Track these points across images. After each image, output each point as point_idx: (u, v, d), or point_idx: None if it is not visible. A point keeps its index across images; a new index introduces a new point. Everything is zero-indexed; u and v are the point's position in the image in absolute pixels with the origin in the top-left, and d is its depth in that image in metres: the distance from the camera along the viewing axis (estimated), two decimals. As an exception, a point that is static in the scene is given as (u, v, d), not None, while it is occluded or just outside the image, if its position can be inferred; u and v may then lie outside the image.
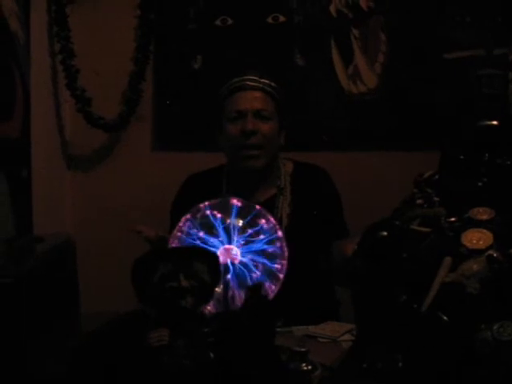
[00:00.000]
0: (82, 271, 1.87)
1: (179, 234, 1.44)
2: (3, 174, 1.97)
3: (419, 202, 1.31)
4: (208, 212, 1.43)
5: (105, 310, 1.45)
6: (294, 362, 1.19)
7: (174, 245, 1.44)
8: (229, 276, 1.37)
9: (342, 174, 2.07)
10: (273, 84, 1.83)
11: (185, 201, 1.69)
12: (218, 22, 2.51)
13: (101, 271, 2.44)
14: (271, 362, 1.18)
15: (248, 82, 1.81)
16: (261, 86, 1.81)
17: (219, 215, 1.43)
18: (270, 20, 2.50)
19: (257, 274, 1.41)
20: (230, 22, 2.51)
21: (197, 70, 2.52)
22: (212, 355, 1.13)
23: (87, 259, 2.24)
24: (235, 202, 1.44)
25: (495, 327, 1.09)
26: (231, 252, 1.40)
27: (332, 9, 2.48)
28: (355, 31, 2.48)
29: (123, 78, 2.50)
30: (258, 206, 1.47)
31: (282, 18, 2.49)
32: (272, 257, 1.44)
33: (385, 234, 1.23)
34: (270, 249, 1.44)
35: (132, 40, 2.51)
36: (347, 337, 1.50)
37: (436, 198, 1.30)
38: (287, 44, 2.49)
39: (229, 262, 1.39)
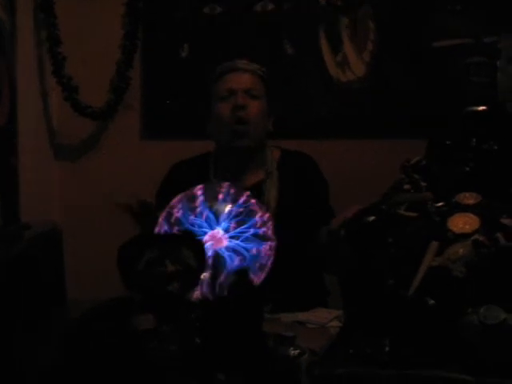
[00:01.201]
0: (70, 259, 1.86)
1: (167, 218, 1.44)
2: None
3: (406, 187, 1.32)
4: (196, 196, 1.43)
5: (92, 297, 1.45)
6: (281, 347, 1.19)
7: (160, 227, 1.43)
8: (215, 261, 1.36)
9: (330, 162, 2.07)
10: (263, 68, 1.89)
11: (170, 188, 1.68)
12: (206, 10, 2.50)
13: (88, 259, 2.43)
14: (258, 347, 1.18)
15: (239, 65, 1.87)
16: (251, 68, 1.87)
17: (207, 200, 1.42)
18: (258, 8, 2.49)
19: (244, 259, 1.41)
20: (218, 9, 2.50)
21: (184, 59, 2.50)
22: (198, 341, 1.13)
23: (74, 247, 2.24)
24: (224, 186, 1.44)
25: (481, 311, 1.10)
26: (218, 237, 1.40)
27: (320, -4, 2.47)
28: (344, 19, 2.47)
29: (111, 65, 2.48)
30: (247, 192, 1.47)
31: (270, 6, 2.48)
32: (260, 242, 1.43)
33: (372, 218, 1.23)
34: (258, 234, 1.43)
35: (120, 27, 2.49)
36: (335, 323, 1.50)
37: (423, 184, 1.31)
38: (276, 32, 2.48)
39: (215, 247, 1.39)
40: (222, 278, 1.29)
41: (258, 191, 1.74)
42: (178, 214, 1.43)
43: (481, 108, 1.39)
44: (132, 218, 1.64)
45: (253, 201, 1.45)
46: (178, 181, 1.75)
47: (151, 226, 1.57)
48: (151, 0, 2.50)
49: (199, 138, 2.03)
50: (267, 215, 1.46)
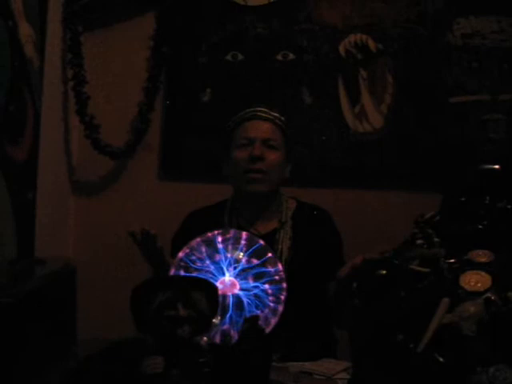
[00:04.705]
0: (82, 295, 1.87)
1: (181, 262, 1.45)
2: (8, 195, 1.99)
3: (419, 242, 1.32)
4: (213, 242, 1.44)
5: (104, 336, 1.45)
6: (287, 397, 1.19)
7: (174, 272, 1.44)
8: (227, 307, 1.37)
9: (343, 211, 2.08)
10: (282, 118, 1.89)
11: (185, 236, 1.69)
12: (228, 57, 2.56)
13: (100, 297, 2.44)
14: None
15: (259, 113, 1.87)
16: (271, 117, 1.87)
17: (223, 246, 1.44)
18: (279, 57, 2.54)
19: (255, 306, 1.41)
20: (240, 57, 2.56)
21: (205, 103, 2.55)
22: (206, 386, 1.13)
23: (87, 284, 2.25)
24: (242, 235, 1.45)
25: (491, 371, 1.09)
26: (230, 284, 1.41)
27: (341, 49, 2.52)
28: (363, 72, 2.52)
29: (133, 106, 2.53)
30: (261, 241, 1.48)
31: (291, 56, 2.54)
32: (271, 290, 1.44)
33: (384, 272, 1.24)
34: (270, 282, 1.44)
35: (143, 70, 2.55)
36: (343, 375, 1.49)
37: (436, 239, 1.31)
38: (295, 81, 2.53)
39: (228, 293, 1.39)
40: (232, 324, 1.30)
41: (271, 239, 1.75)
42: (193, 257, 1.44)
43: (496, 166, 1.39)
44: (135, 243, 1.67)
45: (266, 250, 1.46)
46: (193, 229, 1.76)
47: (154, 257, 1.60)
48: (176, 45, 2.57)
49: (216, 181, 2.06)
50: (279, 264, 1.47)
